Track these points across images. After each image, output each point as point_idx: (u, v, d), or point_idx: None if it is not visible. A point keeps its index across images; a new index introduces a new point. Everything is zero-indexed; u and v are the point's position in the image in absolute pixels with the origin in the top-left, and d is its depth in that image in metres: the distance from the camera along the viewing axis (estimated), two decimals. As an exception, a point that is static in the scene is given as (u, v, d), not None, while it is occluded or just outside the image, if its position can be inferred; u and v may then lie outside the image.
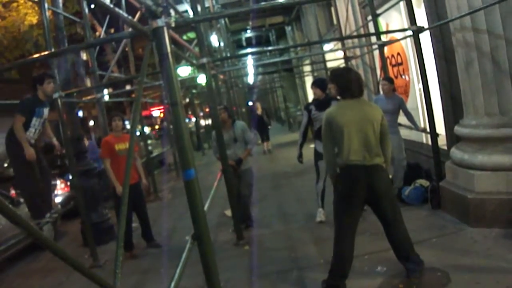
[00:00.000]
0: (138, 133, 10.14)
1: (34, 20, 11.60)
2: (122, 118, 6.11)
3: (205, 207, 3.41)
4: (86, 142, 8.12)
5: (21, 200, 6.33)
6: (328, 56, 13.00)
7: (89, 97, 8.67)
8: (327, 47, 13.30)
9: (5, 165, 9.65)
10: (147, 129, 21.19)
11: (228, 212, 6.43)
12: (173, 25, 2.93)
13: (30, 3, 10.89)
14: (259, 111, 15.37)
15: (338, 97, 3.97)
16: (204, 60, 5.43)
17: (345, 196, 3.66)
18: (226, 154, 5.60)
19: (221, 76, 11.16)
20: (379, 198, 3.62)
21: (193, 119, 23.32)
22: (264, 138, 15.18)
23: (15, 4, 11.57)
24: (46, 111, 5.21)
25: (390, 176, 3.85)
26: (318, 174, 5.81)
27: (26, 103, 5.08)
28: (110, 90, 18.39)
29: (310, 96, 17.57)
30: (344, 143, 3.61)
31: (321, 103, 5.62)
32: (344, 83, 3.72)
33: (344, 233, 3.66)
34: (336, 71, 3.97)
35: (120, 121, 6.00)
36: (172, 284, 2.55)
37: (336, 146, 3.73)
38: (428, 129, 5.82)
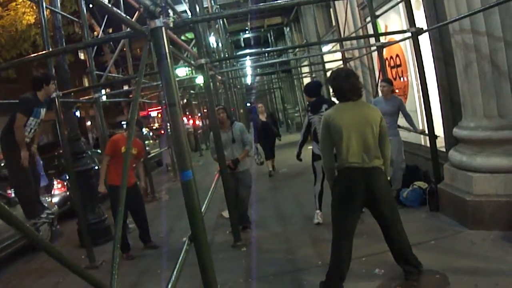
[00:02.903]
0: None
1: (32, 19, 11.57)
2: (140, 126, 6.00)
3: (203, 208, 3.40)
4: None
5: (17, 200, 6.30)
6: (326, 58, 13.00)
7: (86, 97, 8.65)
8: (325, 48, 13.29)
9: (2, 164, 9.61)
10: (144, 130, 21.11)
11: (226, 214, 6.41)
12: (171, 25, 2.92)
13: (28, 2, 10.85)
14: (262, 116, 10.77)
15: (333, 99, 3.95)
16: (202, 60, 5.43)
17: (343, 199, 3.63)
18: (223, 155, 5.59)
19: (219, 77, 11.13)
20: (378, 200, 3.59)
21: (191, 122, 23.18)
22: (269, 154, 10.42)
23: (13, 4, 11.53)
24: (43, 111, 5.15)
25: (389, 178, 3.83)
26: (316, 176, 5.81)
27: (27, 102, 4.97)
28: (108, 90, 18.40)
29: (309, 98, 17.57)
30: (343, 145, 3.58)
31: (313, 106, 5.74)
32: (341, 85, 3.68)
33: (342, 235, 3.64)
34: (334, 73, 3.92)
35: (139, 131, 5.95)
36: (169, 286, 2.53)
37: (334, 148, 3.71)
38: (426, 131, 5.81)
